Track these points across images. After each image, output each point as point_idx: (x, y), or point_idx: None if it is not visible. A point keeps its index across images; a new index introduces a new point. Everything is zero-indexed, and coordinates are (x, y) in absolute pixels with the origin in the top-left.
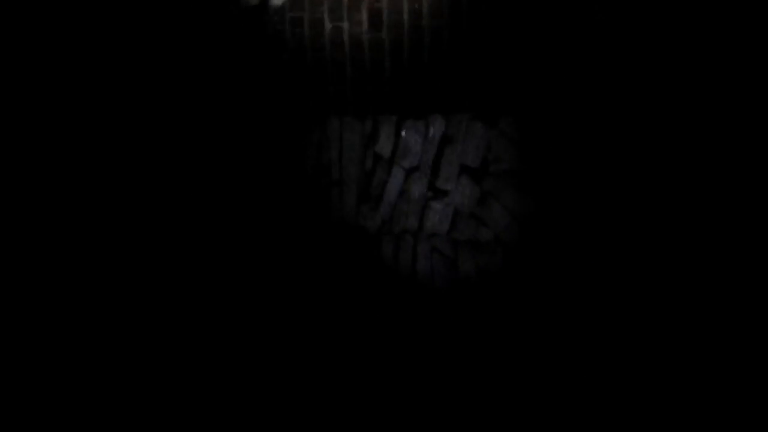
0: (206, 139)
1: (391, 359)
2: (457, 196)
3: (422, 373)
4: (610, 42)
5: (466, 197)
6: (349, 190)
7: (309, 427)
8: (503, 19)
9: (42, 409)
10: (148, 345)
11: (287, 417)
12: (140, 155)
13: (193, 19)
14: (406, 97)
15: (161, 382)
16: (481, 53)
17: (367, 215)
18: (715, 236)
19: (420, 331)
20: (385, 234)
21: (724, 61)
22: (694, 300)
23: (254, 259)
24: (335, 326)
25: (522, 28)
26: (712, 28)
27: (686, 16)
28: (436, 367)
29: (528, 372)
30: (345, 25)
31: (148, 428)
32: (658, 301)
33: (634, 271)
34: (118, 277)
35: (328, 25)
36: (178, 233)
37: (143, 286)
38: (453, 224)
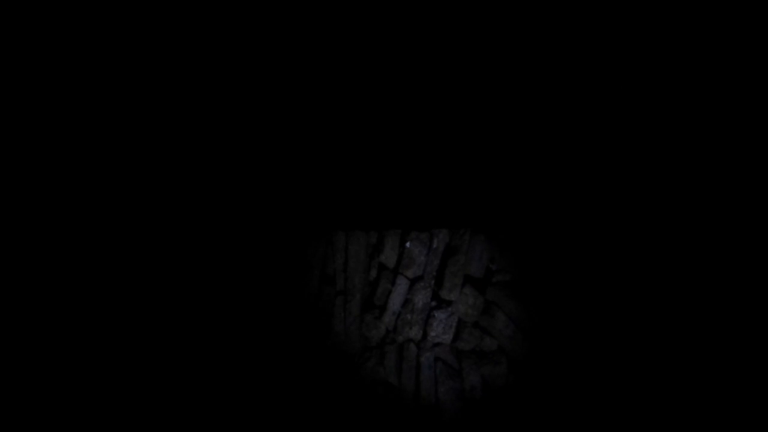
0: (221, 253)
1: None
2: (461, 305)
3: None
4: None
5: (470, 307)
6: (353, 299)
7: None
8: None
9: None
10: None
11: None
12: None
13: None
14: (410, 212)
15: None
16: (483, 173)
17: (370, 324)
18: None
19: None
20: (388, 343)
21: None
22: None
23: (256, 367)
24: None
25: (521, 152)
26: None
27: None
28: None
29: None
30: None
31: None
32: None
33: (638, 376)
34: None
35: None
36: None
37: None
38: (457, 334)
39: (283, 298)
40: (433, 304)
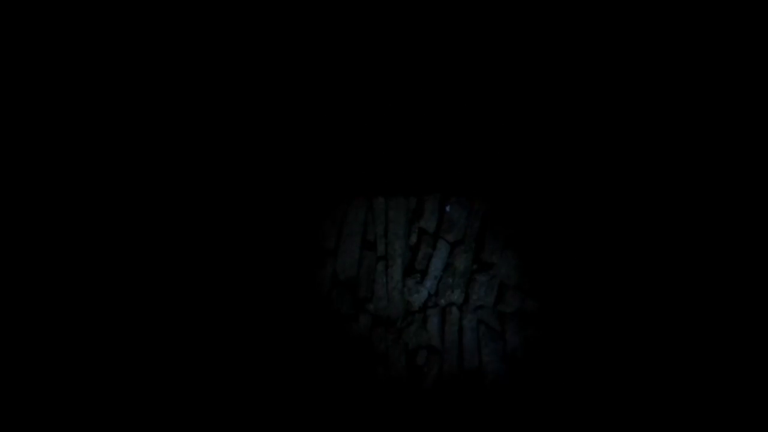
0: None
1: None
2: (502, 268)
3: None
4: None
5: (512, 269)
6: (394, 263)
7: None
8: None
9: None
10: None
11: None
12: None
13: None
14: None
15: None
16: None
17: (412, 288)
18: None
19: (468, 407)
20: (430, 307)
21: None
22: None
23: (299, 331)
24: (378, 402)
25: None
26: None
27: None
28: None
29: None
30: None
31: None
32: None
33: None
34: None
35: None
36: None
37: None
38: (499, 296)
39: (323, 265)
40: (475, 267)
